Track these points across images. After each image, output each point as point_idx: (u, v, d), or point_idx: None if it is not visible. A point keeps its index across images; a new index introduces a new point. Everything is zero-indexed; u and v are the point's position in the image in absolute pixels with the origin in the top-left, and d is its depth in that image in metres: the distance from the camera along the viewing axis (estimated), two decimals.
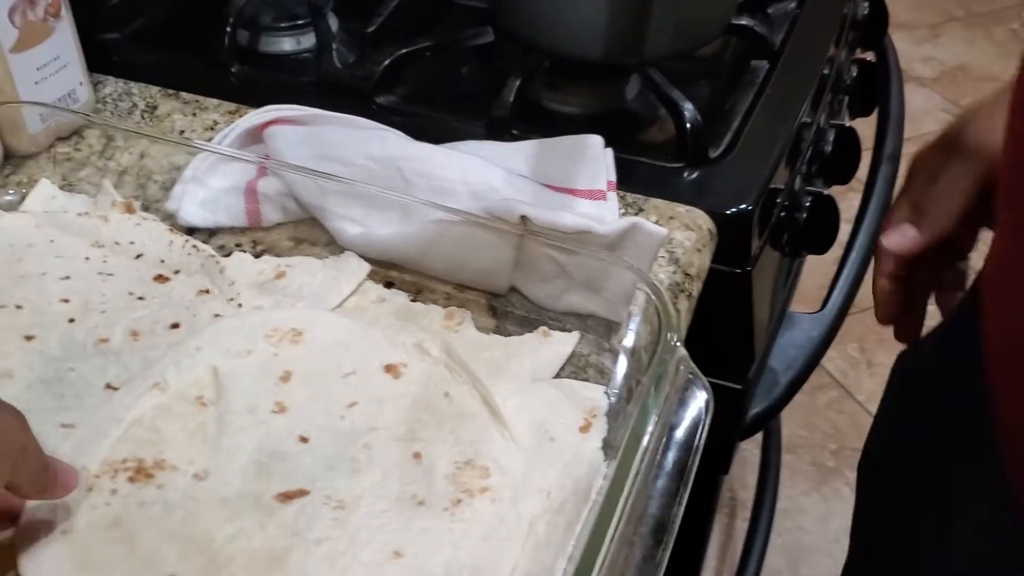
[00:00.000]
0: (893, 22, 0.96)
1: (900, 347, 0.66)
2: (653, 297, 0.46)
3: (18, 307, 0.51)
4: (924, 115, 2.44)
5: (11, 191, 0.59)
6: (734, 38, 0.77)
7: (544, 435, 0.46)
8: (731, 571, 1.43)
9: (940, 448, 0.58)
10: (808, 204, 0.70)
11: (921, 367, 0.63)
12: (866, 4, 0.91)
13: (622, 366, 0.50)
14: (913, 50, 2.64)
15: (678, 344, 0.43)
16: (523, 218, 0.51)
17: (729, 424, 0.70)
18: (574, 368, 0.51)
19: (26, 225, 0.56)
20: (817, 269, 1.09)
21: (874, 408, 0.73)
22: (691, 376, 0.43)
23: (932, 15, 2.84)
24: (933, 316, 0.64)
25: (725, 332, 0.65)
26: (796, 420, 1.70)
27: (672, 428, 0.41)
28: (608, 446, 0.45)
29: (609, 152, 0.60)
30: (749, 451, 1.60)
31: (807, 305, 0.84)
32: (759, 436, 1.53)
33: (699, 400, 0.42)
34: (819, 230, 0.71)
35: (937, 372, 0.60)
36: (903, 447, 0.63)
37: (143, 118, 0.67)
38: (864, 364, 1.79)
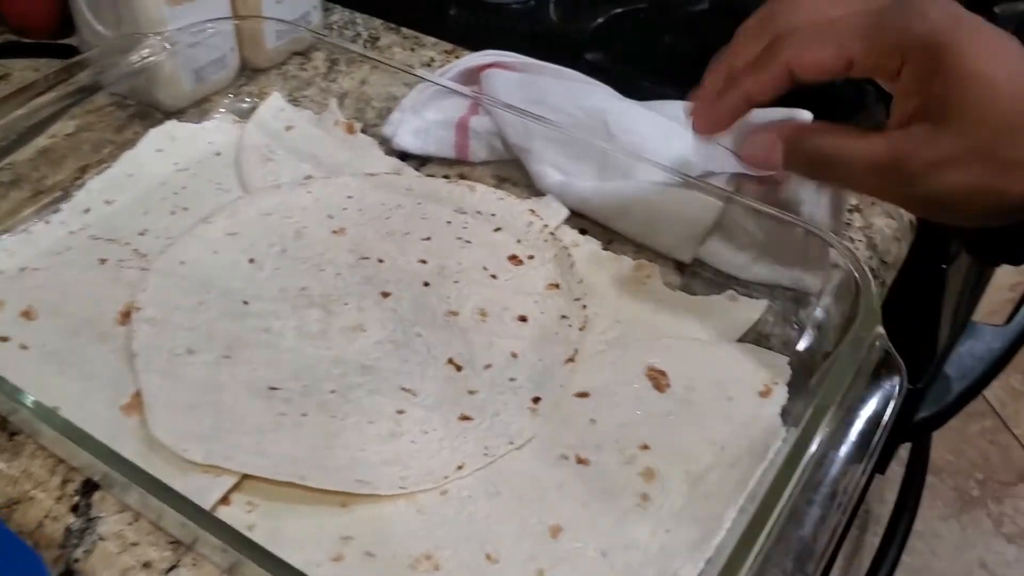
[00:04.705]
0: None
1: None
2: (854, 271, 0.45)
3: (380, 261, 0.52)
4: None
5: (246, 99, 0.63)
6: None
7: (722, 393, 0.47)
8: None
9: None
10: None
11: None
12: None
13: (807, 340, 0.50)
14: None
15: (876, 320, 0.43)
16: (735, 177, 0.51)
17: (896, 423, 0.69)
18: (757, 335, 0.51)
19: (396, 187, 0.57)
20: (1000, 283, 1.05)
21: None
22: (885, 354, 0.42)
23: None
24: None
25: (910, 328, 0.63)
26: (944, 443, 1.63)
27: (862, 401, 0.41)
28: (787, 414, 0.46)
29: None
30: (889, 467, 1.55)
31: (985, 319, 0.81)
32: (903, 453, 1.48)
33: (892, 379, 0.42)
34: (1019, 238, 0.68)
35: None
36: None
37: (365, 47, 0.70)
38: None
